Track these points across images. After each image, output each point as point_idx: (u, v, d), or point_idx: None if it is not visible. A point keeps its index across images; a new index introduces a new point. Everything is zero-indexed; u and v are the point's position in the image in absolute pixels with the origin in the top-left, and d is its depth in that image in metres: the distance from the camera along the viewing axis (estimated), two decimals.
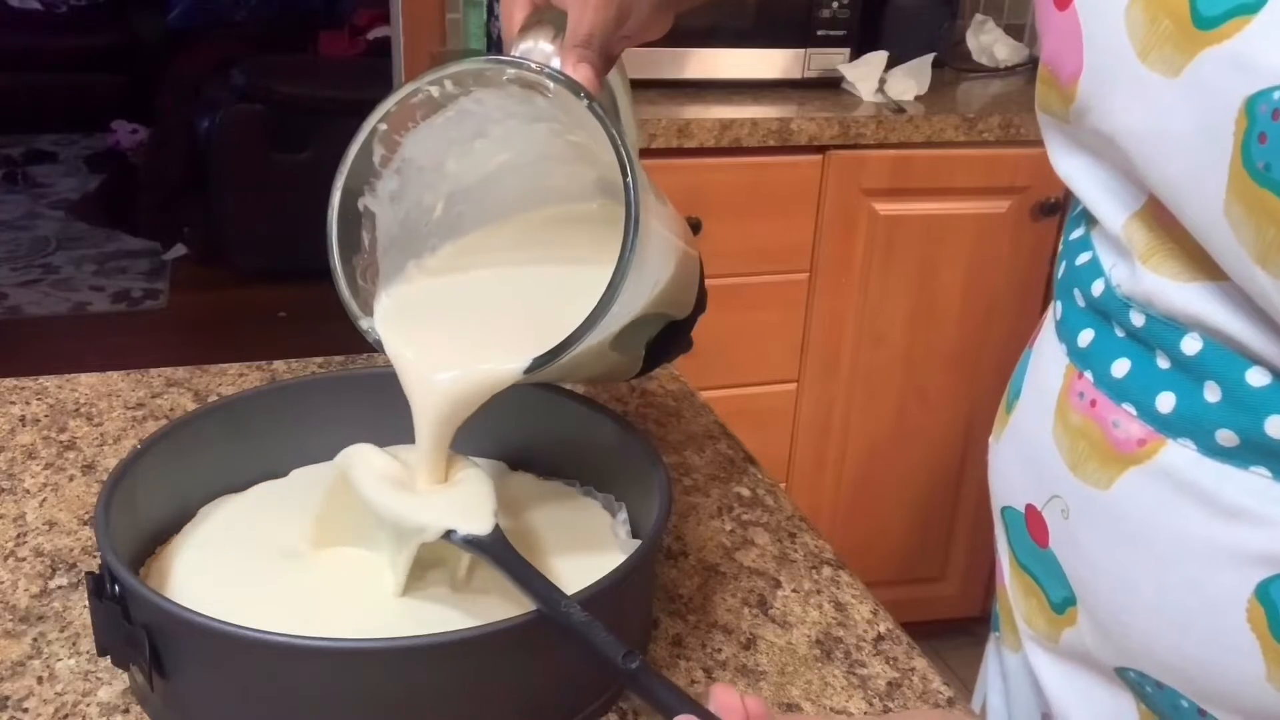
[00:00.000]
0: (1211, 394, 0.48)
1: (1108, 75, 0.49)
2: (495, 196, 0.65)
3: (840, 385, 1.86)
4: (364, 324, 0.62)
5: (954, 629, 1.96)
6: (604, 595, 0.54)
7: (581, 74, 0.57)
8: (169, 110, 3.94)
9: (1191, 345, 0.49)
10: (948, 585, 2.05)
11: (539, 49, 0.60)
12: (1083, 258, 0.56)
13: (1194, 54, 0.44)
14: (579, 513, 0.69)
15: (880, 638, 0.64)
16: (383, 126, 0.59)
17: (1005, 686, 0.67)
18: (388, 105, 0.58)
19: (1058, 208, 1.79)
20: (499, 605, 0.58)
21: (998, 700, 0.69)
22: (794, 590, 0.68)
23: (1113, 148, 0.51)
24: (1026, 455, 0.59)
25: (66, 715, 0.55)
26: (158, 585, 0.61)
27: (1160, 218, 0.50)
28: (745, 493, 0.78)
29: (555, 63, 0.58)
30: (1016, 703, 0.65)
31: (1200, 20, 0.43)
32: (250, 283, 3.36)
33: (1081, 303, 0.56)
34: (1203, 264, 0.48)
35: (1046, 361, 0.59)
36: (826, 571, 0.70)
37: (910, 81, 1.82)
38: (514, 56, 0.59)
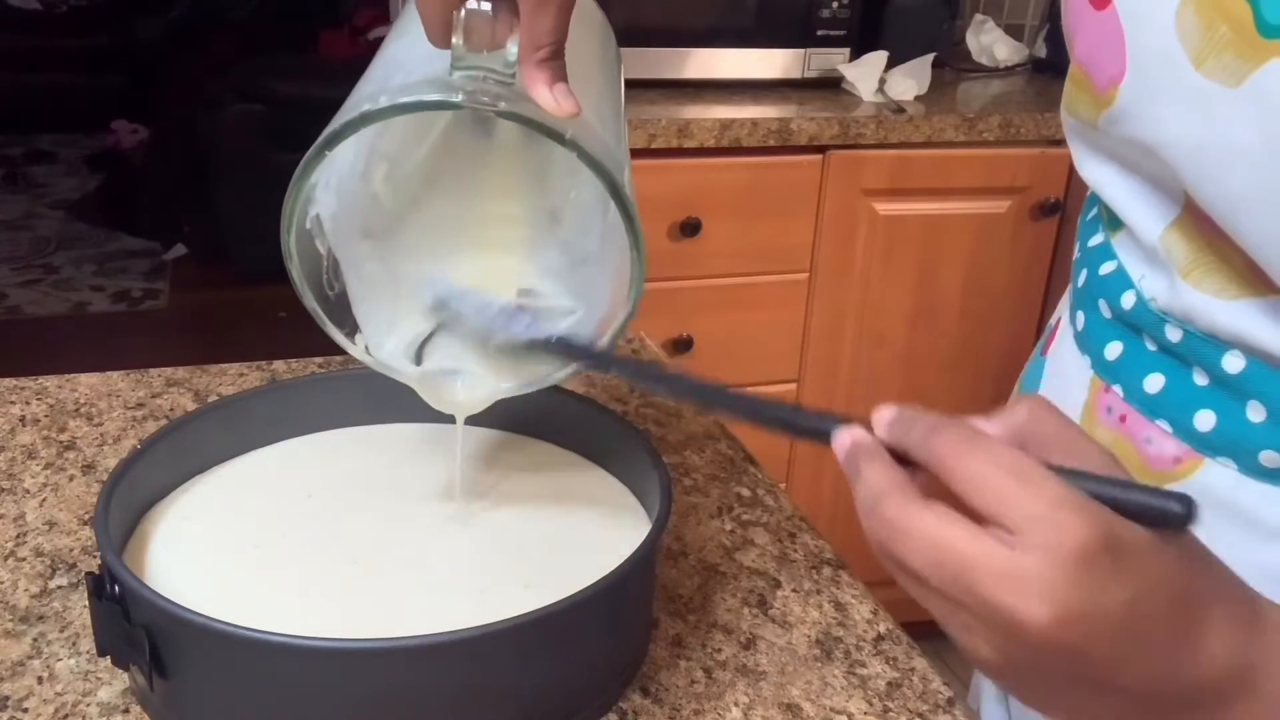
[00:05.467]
0: (1255, 414, 0.46)
1: (1155, 82, 0.47)
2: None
3: (840, 385, 1.86)
4: (356, 350, 0.61)
5: None
6: (604, 595, 0.54)
7: (564, 106, 0.49)
8: (169, 110, 3.94)
9: (1234, 363, 0.47)
10: None
11: (485, 58, 0.50)
12: (1107, 267, 0.54)
13: (1260, 63, 0.42)
14: (594, 484, 0.71)
15: (880, 638, 0.64)
16: (325, 176, 0.55)
17: (1007, 694, 0.67)
18: (329, 159, 0.53)
19: (1058, 208, 1.79)
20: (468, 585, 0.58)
21: (995, 708, 0.68)
22: (794, 590, 0.68)
23: (1151, 157, 0.48)
24: None
25: (66, 715, 0.55)
26: (137, 559, 0.61)
27: (1200, 228, 0.48)
28: (745, 493, 0.78)
29: (511, 48, 0.50)
30: (1021, 710, 0.65)
31: (1266, 28, 0.41)
32: (250, 283, 3.34)
33: (1108, 314, 0.54)
34: (1249, 278, 0.46)
35: (1067, 372, 0.57)
36: (826, 571, 0.70)
37: (910, 81, 1.82)
38: (472, 98, 0.49)
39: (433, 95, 0.49)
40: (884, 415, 0.40)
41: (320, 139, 0.52)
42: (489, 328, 0.56)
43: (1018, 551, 0.34)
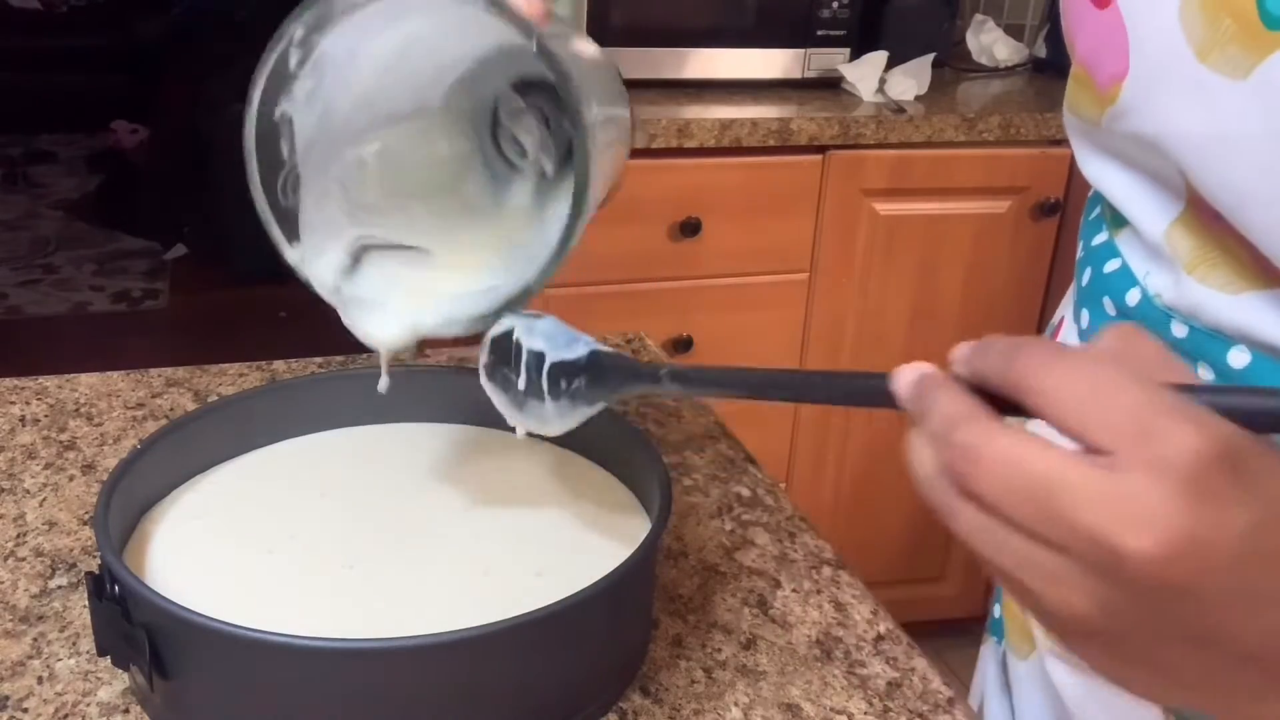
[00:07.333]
0: None
1: (1159, 77, 0.47)
2: (404, 76, 0.60)
3: None
4: (292, 256, 0.58)
5: (954, 629, 1.96)
6: (604, 595, 0.54)
7: (533, 6, 0.49)
8: (169, 110, 3.94)
9: (1239, 358, 0.47)
10: (948, 585, 2.05)
11: None
12: (1111, 265, 0.55)
13: (1264, 55, 0.42)
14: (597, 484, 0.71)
15: (880, 638, 0.64)
16: (300, 33, 0.53)
17: (1011, 694, 0.67)
18: (307, 17, 0.52)
19: (1058, 208, 1.79)
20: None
21: (998, 707, 0.68)
22: (794, 590, 0.68)
23: (1154, 152, 0.49)
24: None
25: (66, 715, 0.55)
26: (137, 559, 0.61)
27: (1205, 222, 0.48)
28: (745, 493, 0.78)
29: None
30: (1026, 709, 0.65)
31: (1270, 20, 0.41)
32: (250, 283, 3.35)
33: (1113, 312, 0.54)
34: (1254, 272, 0.46)
35: None
36: (826, 571, 0.70)
37: (910, 81, 1.82)
38: None
39: None
40: (960, 350, 0.36)
41: None
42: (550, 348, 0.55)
43: (1116, 471, 0.29)
